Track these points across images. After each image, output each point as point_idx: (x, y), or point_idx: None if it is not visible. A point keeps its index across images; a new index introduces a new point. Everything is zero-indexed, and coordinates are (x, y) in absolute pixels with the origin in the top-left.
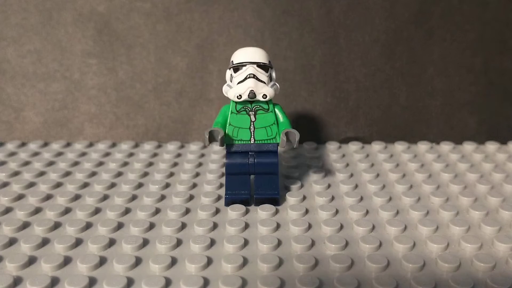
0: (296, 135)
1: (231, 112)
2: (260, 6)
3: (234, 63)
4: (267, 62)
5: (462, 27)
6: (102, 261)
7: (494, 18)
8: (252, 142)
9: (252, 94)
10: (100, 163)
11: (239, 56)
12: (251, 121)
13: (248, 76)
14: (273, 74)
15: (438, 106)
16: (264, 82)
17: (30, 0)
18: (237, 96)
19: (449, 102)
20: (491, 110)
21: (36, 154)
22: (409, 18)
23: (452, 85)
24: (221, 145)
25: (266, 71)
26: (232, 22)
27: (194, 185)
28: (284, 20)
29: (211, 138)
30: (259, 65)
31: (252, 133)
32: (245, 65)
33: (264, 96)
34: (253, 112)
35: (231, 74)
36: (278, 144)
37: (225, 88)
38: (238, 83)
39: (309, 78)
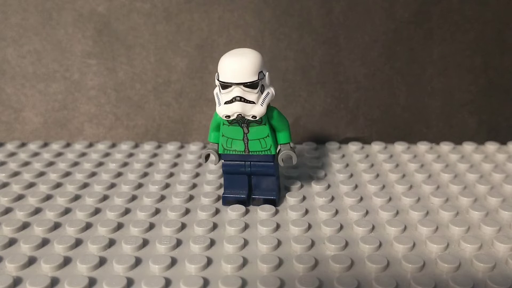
0: (293, 158)
1: (223, 124)
2: (260, 6)
3: (220, 79)
4: (255, 78)
5: (462, 27)
6: (102, 261)
7: (494, 18)
8: (246, 153)
9: (240, 117)
10: (100, 164)
11: (224, 71)
12: (244, 132)
13: (234, 99)
14: (267, 81)
15: (438, 106)
16: (254, 102)
17: (30, 1)
18: (225, 116)
19: (449, 102)
20: (491, 110)
21: (36, 154)
22: (409, 18)
23: (452, 85)
24: (216, 163)
25: (256, 87)
26: (232, 23)
27: (194, 186)
28: (284, 20)
29: (207, 157)
30: (247, 84)
31: (246, 144)
32: (230, 86)
33: (254, 117)
34: (246, 124)
35: (218, 86)
36: (273, 156)
37: (215, 96)
38: (226, 102)
39: (309, 79)
